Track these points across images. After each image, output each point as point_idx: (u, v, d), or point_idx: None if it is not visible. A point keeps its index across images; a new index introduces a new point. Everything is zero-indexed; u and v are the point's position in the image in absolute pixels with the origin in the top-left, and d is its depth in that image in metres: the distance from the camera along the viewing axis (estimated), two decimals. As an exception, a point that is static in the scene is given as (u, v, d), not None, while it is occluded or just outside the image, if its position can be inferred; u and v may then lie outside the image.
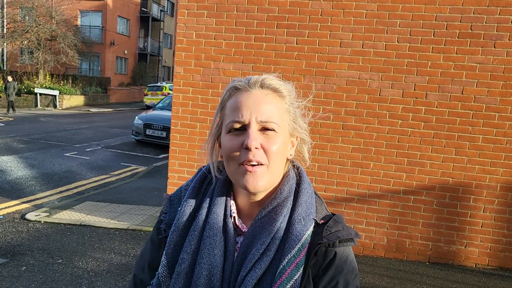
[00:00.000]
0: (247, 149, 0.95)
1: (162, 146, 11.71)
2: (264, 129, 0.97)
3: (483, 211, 4.84)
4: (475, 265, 4.93)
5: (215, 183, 1.07)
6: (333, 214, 1.04)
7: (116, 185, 8.05)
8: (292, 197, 1.03)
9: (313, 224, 1.00)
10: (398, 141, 4.87)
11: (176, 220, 1.04)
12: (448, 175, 4.83)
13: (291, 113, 1.04)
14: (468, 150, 4.76)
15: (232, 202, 1.05)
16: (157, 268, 1.04)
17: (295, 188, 1.05)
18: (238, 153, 0.96)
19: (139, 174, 9.06)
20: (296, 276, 0.94)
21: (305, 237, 0.97)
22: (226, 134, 1.00)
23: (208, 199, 1.05)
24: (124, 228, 5.61)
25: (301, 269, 0.95)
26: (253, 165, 0.95)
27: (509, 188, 4.76)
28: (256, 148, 0.95)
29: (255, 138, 0.95)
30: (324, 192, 5.05)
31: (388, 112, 4.86)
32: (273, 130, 0.98)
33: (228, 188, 1.07)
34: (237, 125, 0.97)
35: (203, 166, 1.13)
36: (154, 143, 12.36)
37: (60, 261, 4.54)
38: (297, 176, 1.09)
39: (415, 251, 5.01)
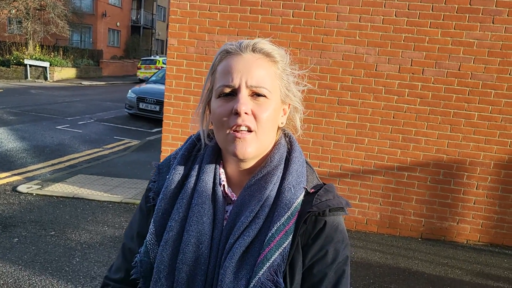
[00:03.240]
0: (237, 114, 0.92)
1: (156, 120, 11.63)
2: (255, 94, 0.95)
3: (476, 188, 4.87)
4: (467, 241, 4.99)
5: (204, 150, 1.06)
6: (324, 184, 1.03)
7: (109, 158, 8.00)
8: (282, 166, 1.01)
9: (304, 192, 0.99)
10: (393, 117, 4.85)
11: (164, 188, 1.02)
12: (442, 152, 4.83)
13: (284, 79, 1.02)
14: (463, 127, 4.74)
15: (222, 170, 1.04)
16: (146, 236, 1.03)
17: (286, 157, 1.04)
18: (227, 119, 0.94)
19: (132, 148, 9.01)
20: (285, 244, 0.93)
21: (294, 205, 0.96)
22: (216, 99, 0.97)
23: (197, 167, 1.03)
24: (117, 201, 5.59)
25: (290, 237, 0.93)
26: (242, 131, 0.93)
27: (502, 166, 4.78)
28: (246, 113, 0.93)
29: (244, 102, 0.93)
30: (318, 167, 5.04)
31: (384, 88, 4.81)
32: (264, 96, 0.95)
33: (218, 156, 1.05)
34: (227, 90, 0.95)
35: (193, 134, 1.11)
36: (148, 117, 12.27)
37: (52, 233, 4.53)
38: (288, 145, 1.07)
39: (407, 227, 5.05)
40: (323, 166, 5.05)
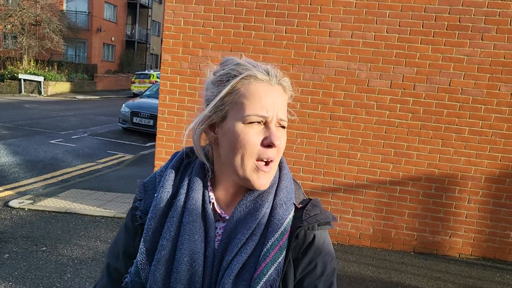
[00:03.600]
0: (271, 146, 0.95)
1: (149, 134, 11.62)
2: (279, 126, 0.98)
3: (467, 202, 4.90)
4: (459, 255, 5.00)
5: (192, 167, 1.06)
6: (310, 199, 1.07)
7: (102, 173, 7.98)
8: (276, 183, 1.04)
9: (294, 208, 1.02)
10: (385, 132, 4.89)
11: (153, 207, 1.01)
12: (434, 166, 4.87)
13: (287, 108, 1.05)
14: (455, 141, 4.80)
15: (210, 188, 1.04)
16: (133, 255, 1.03)
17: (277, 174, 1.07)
18: (255, 148, 0.95)
19: (126, 162, 8.99)
20: (280, 259, 0.95)
21: (287, 221, 0.98)
22: (241, 124, 0.95)
23: (185, 184, 1.03)
24: (110, 216, 5.57)
25: (284, 252, 0.96)
26: (267, 164, 0.97)
27: (493, 180, 4.83)
28: (276, 147, 0.96)
29: (279, 137, 0.96)
30: (311, 182, 5.06)
31: (376, 103, 4.87)
32: (284, 127, 1.00)
33: (205, 173, 1.05)
34: (259, 119, 0.95)
35: (178, 151, 1.12)
36: (141, 131, 12.25)
37: (44, 248, 4.50)
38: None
39: (400, 241, 5.07)
40: (316, 180, 5.08)
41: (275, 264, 0.94)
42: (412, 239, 5.04)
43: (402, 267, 4.68)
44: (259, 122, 0.95)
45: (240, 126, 0.95)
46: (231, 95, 0.97)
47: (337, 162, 5.02)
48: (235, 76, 0.97)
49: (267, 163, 0.96)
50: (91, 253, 4.49)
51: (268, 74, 0.98)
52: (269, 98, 0.96)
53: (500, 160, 4.77)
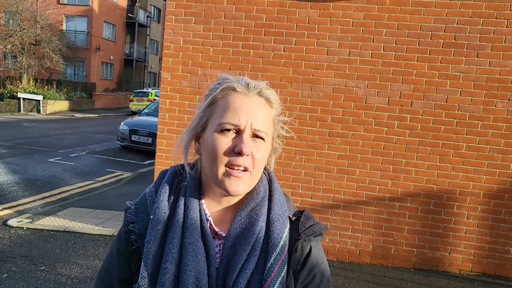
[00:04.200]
0: (239, 154, 0.96)
1: (148, 152, 11.64)
2: (255, 136, 0.99)
3: (466, 218, 4.90)
4: (459, 271, 4.98)
5: (186, 186, 1.06)
6: (300, 210, 1.09)
7: (101, 191, 7.97)
8: (267, 197, 1.06)
9: (289, 221, 1.04)
10: (383, 149, 4.92)
11: (150, 229, 1.00)
12: (432, 182, 4.89)
13: (275, 123, 1.07)
14: (452, 157, 4.83)
15: (205, 205, 1.04)
16: (129, 282, 1.02)
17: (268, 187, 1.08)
18: (226, 155, 0.97)
19: (125, 180, 8.98)
20: (283, 273, 0.97)
21: (285, 234, 1.01)
22: (215, 133, 0.99)
23: (181, 204, 1.03)
24: (109, 234, 5.55)
25: (286, 265, 0.99)
26: (239, 170, 0.97)
27: (491, 195, 4.84)
28: (247, 154, 0.96)
29: (249, 145, 0.97)
30: (311, 198, 5.07)
31: (374, 120, 4.91)
32: (262, 138, 1.00)
33: (199, 191, 1.06)
34: (231, 127, 0.97)
35: (165, 170, 1.13)
36: (140, 149, 12.26)
37: (42, 268, 4.47)
38: (267, 176, 1.11)
39: (400, 257, 5.05)
40: (315, 197, 5.08)
41: (279, 279, 0.96)
42: (411, 255, 5.03)
43: (402, 283, 4.66)
44: (231, 130, 0.97)
45: (215, 134, 0.98)
46: (212, 106, 1.02)
47: (336, 178, 5.04)
48: (217, 88, 1.02)
49: (237, 169, 0.97)
50: (90, 272, 4.46)
51: (247, 86, 1.01)
52: (244, 108, 0.98)
53: (498, 176, 4.80)
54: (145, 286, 0.98)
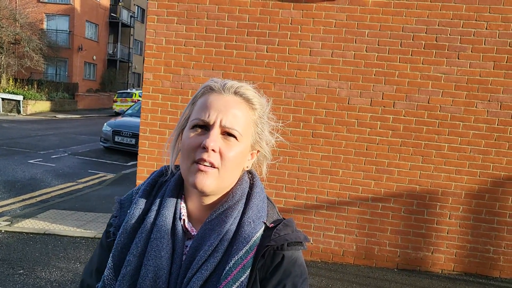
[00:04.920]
0: (204, 148, 0.95)
1: (131, 153, 11.51)
2: (226, 133, 0.98)
3: (448, 218, 4.95)
4: (441, 271, 5.03)
5: (168, 184, 1.07)
6: (284, 219, 1.05)
7: (83, 192, 7.85)
8: (243, 200, 1.03)
9: (263, 227, 1.01)
10: (366, 149, 4.94)
11: (124, 223, 1.03)
12: (415, 182, 4.92)
13: (258, 126, 1.05)
14: (435, 158, 4.87)
15: (183, 205, 1.05)
16: (103, 272, 1.03)
17: (248, 192, 1.06)
18: (194, 151, 0.97)
19: (108, 182, 8.87)
20: (242, 278, 0.94)
21: (253, 239, 0.97)
22: (188, 129, 1.00)
23: (158, 201, 1.04)
24: (90, 236, 5.46)
25: (248, 271, 0.95)
26: (206, 165, 0.96)
27: (473, 195, 4.89)
28: (213, 150, 0.95)
29: (214, 140, 0.96)
30: (294, 199, 5.06)
31: (356, 121, 4.92)
32: (235, 137, 0.99)
33: (179, 191, 1.06)
34: (201, 123, 0.98)
35: (156, 170, 1.14)
36: (123, 150, 12.15)
37: (21, 271, 4.37)
38: (250, 181, 1.09)
39: (383, 257, 5.08)
40: (299, 198, 5.08)
41: (237, 283, 0.93)
42: (395, 255, 5.06)
43: (385, 284, 4.68)
44: (200, 126, 0.99)
45: (187, 131, 1.01)
46: (192, 105, 1.05)
47: (319, 179, 5.04)
48: (201, 89, 1.05)
49: (202, 164, 0.95)
50: (70, 275, 4.38)
51: (223, 86, 1.02)
52: (214, 104, 0.99)
53: (479, 176, 4.85)
54: (109, 277, 0.99)
